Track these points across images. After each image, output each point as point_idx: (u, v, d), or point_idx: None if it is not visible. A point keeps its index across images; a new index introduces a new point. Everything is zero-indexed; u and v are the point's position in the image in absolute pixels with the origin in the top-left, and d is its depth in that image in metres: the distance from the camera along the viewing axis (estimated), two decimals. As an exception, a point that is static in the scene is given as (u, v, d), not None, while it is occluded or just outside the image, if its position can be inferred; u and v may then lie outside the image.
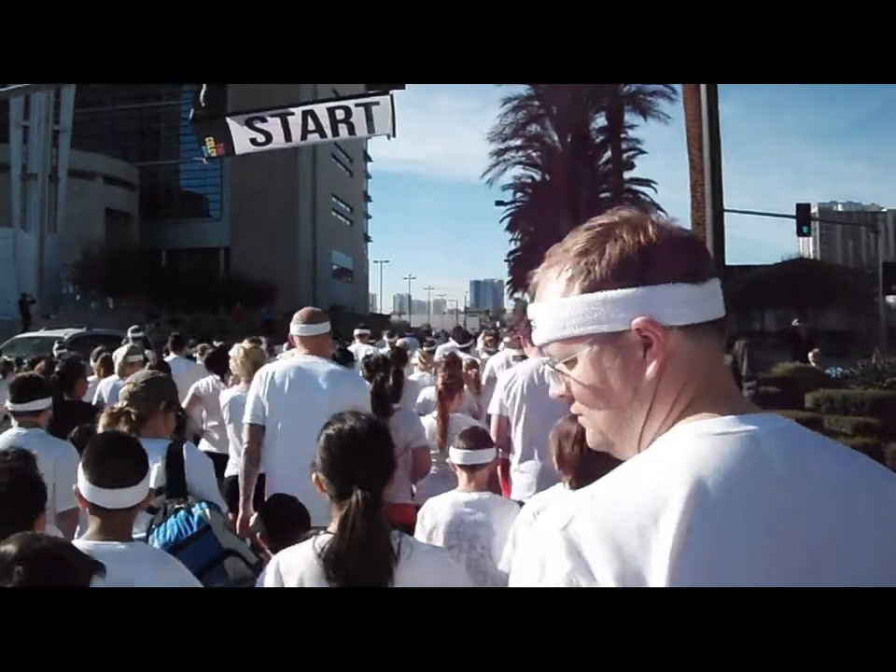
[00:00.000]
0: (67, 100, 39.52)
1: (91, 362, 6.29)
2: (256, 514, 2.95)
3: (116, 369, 5.91)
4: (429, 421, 4.27)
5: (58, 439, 3.36)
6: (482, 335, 9.97)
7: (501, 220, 40.61)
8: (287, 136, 5.96)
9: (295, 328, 3.74)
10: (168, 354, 7.47)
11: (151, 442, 2.26)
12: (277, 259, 48.37)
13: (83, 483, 1.97)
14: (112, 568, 1.55)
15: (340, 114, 5.81)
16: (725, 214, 9.32)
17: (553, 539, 0.73)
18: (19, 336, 13.97)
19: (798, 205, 19.36)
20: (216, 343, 8.00)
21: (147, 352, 7.23)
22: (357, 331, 9.26)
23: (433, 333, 23.86)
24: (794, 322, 14.87)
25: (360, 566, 1.69)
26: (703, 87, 8.55)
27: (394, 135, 5.92)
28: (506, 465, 4.13)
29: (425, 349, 8.16)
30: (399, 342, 9.22)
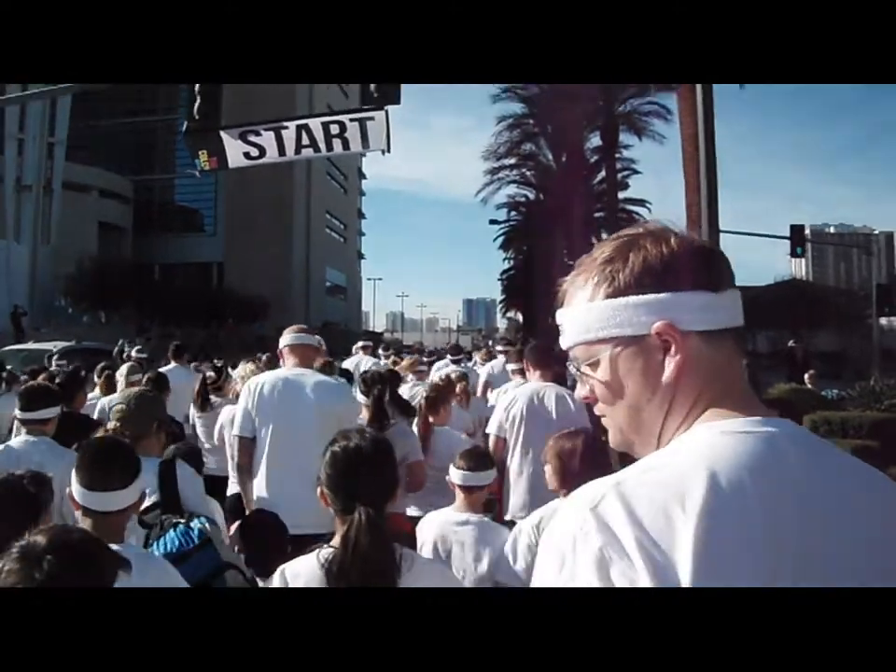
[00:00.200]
0: (63, 112, 39.65)
1: (95, 378, 6.32)
2: (235, 527, 2.93)
3: (118, 387, 5.91)
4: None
5: (65, 448, 3.35)
6: (482, 352, 10.28)
7: (495, 239, 40.94)
8: (281, 150, 5.91)
9: (284, 339, 3.85)
10: (169, 362, 7.55)
11: (144, 461, 2.28)
12: (271, 274, 48.33)
13: (76, 487, 2.03)
14: None
15: (334, 128, 5.77)
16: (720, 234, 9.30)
17: (584, 517, 0.75)
18: (6, 348, 13.83)
19: (792, 226, 19.72)
20: (215, 362, 7.93)
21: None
22: (360, 343, 9.42)
23: (426, 351, 23.96)
24: (790, 343, 14.90)
25: (363, 579, 1.72)
26: (700, 107, 8.53)
27: (388, 151, 5.90)
28: (499, 485, 4.13)
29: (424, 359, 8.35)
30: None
